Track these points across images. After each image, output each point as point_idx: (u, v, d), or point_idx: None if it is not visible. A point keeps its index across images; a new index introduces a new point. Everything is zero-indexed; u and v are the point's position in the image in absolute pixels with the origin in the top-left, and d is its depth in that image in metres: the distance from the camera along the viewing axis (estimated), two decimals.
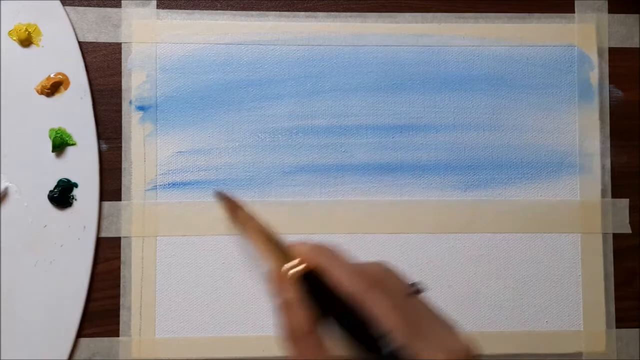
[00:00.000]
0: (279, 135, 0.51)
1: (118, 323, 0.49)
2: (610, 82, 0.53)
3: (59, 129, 0.49)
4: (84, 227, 0.49)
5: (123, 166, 0.50)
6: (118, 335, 0.49)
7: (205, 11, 0.51)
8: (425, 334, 0.28)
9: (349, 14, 0.52)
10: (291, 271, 0.31)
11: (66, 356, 0.48)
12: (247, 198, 0.50)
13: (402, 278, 0.31)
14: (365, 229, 0.51)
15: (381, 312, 0.28)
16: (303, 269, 0.31)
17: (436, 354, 0.27)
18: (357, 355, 0.28)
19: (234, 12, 0.51)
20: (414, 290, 0.31)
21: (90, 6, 0.51)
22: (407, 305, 0.29)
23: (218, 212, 0.50)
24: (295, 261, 0.31)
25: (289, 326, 0.30)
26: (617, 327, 0.51)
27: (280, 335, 0.31)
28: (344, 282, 0.30)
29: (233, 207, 0.39)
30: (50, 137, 0.49)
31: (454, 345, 0.28)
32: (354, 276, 0.30)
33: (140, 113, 0.50)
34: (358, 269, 0.31)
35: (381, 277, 0.31)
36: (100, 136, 0.50)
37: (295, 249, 0.32)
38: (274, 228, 0.35)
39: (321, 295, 0.30)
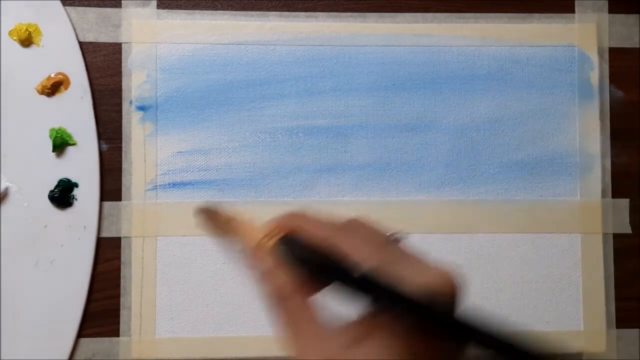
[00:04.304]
0: (279, 135, 0.51)
1: (118, 323, 0.49)
2: (610, 82, 0.53)
3: (59, 129, 0.49)
4: (84, 227, 0.49)
5: (123, 166, 0.50)
6: (118, 335, 0.49)
7: (205, 11, 0.51)
8: (402, 266, 0.28)
9: (349, 14, 0.52)
10: (268, 241, 0.31)
11: (66, 356, 0.48)
12: (247, 198, 0.50)
13: (378, 227, 0.31)
14: None
15: (351, 248, 0.28)
16: (277, 235, 0.31)
17: (413, 278, 0.26)
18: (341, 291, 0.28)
19: (234, 12, 0.51)
20: (393, 239, 0.31)
21: (90, 6, 0.51)
22: (383, 248, 0.29)
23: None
24: (270, 230, 0.31)
25: (272, 291, 0.30)
26: (617, 327, 0.51)
27: (266, 305, 0.30)
28: (316, 234, 0.30)
29: (212, 215, 0.38)
30: (50, 137, 0.49)
31: (434, 272, 0.27)
32: (325, 227, 0.30)
33: (141, 113, 0.50)
34: (331, 223, 0.31)
35: (355, 225, 0.31)
36: (100, 136, 0.50)
37: (270, 223, 0.32)
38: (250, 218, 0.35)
39: (303, 256, 0.30)
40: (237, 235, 0.33)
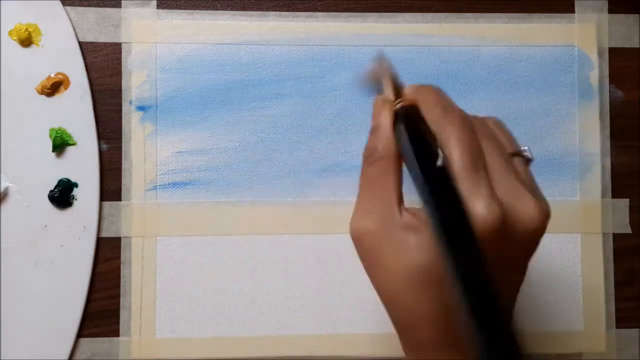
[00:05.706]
0: (279, 135, 0.51)
1: (118, 323, 0.49)
2: (610, 82, 0.53)
3: (59, 129, 0.49)
4: (84, 227, 0.49)
5: (123, 166, 0.50)
6: (118, 336, 0.49)
7: (205, 11, 0.51)
8: (486, 179, 0.27)
9: (349, 14, 0.52)
10: (394, 106, 0.32)
11: (66, 356, 0.48)
12: (247, 198, 0.50)
13: (511, 137, 0.30)
14: None
15: (459, 146, 0.28)
16: (400, 103, 0.32)
17: (478, 200, 0.26)
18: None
19: (234, 12, 0.51)
20: (518, 154, 0.30)
21: (90, 6, 0.51)
22: (505, 162, 0.28)
23: (218, 211, 0.50)
24: (400, 95, 0.32)
25: (368, 148, 0.31)
26: (617, 327, 0.51)
27: (363, 156, 0.31)
28: (430, 116, 0.29)
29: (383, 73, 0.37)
30: (50, 137, 0.49)
31: (536, 210, 0.26)
32: (442, 113, 0.29)
33: (141, 113, 0.50)
34: (452, 109, 0.30)
35: (486, 126, 0.30)
36: (100, 136, 0.50)
37: (408, 88, 0.33)
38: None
39: (410, 131, 0.30)
40: (381, 88, 0.34)
